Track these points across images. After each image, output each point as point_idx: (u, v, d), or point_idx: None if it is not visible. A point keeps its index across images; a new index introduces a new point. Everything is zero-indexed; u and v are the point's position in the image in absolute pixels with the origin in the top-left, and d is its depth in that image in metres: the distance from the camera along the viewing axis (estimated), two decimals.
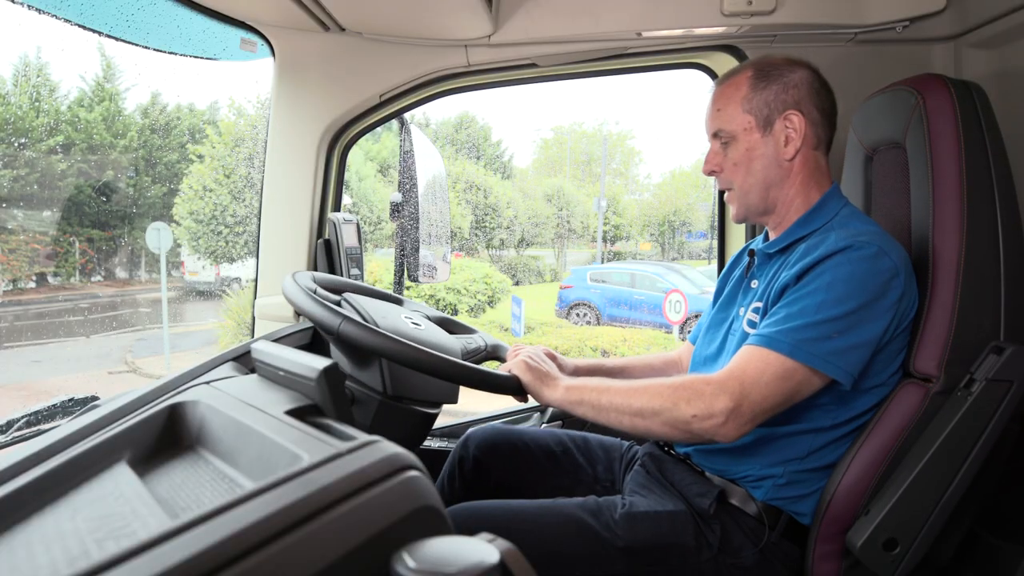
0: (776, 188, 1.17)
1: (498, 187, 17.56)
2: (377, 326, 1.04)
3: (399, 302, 1.39)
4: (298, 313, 1.61)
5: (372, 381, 1.08)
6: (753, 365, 1.00)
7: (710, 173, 1.22)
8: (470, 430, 1.40)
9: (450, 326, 1.37)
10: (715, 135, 1.19)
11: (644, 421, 1.02)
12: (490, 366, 1.17)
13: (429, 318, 1.33)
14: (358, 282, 1.35)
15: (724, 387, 0.99)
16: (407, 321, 1.18)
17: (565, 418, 1.75)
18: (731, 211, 1.25)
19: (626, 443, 1.39)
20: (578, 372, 1.36)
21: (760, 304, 1.14)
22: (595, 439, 1.41)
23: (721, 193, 1.87)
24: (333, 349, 1.18)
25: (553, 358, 1.31)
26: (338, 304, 1.16)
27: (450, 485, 1.36)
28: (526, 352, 1.20)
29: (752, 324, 1.14)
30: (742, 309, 1.22)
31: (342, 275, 1.62)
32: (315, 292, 1.09)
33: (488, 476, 1.34)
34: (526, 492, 1.27)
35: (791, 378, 0.99)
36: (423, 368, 0.97)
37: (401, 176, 1.69)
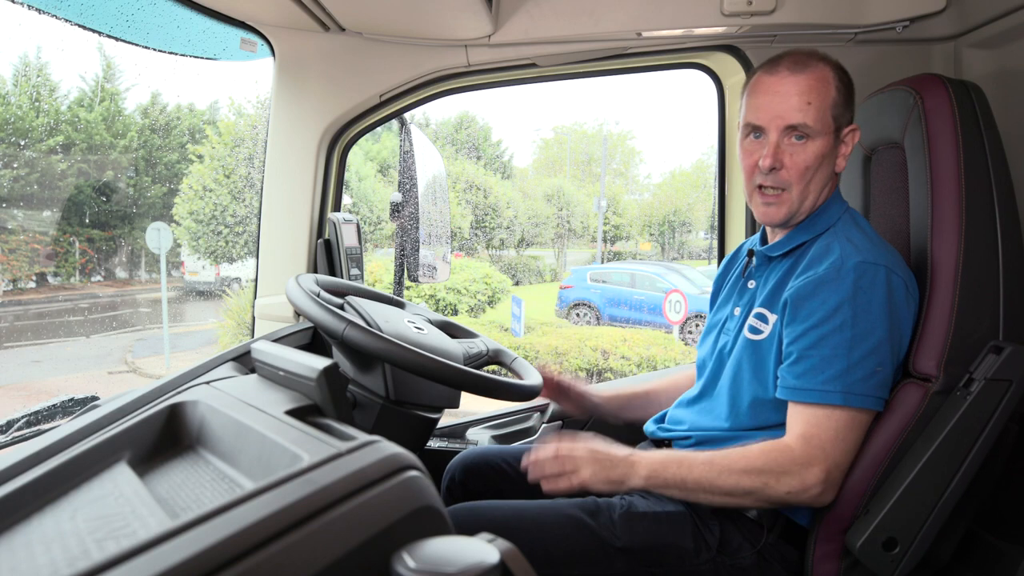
0: (821, 196, 1.14)
1: (498, 187, 17.52)
2: (380, 330, 1.04)
3: (401, 305, 1.39)
4: (298, 314, 1.62)
5: (375, 385, 1.08)
6: (824, 426, 1.02)
7: (771, 169, 1.09)
8: (453, 460, 1.36)
9: (452, 330, 1.37)
10: (791, 127, 1.08)
11: (736, 500, 1.04)
12: (490, 370, 1.17)
13: (431, 322, 1.33)
14: (360, 285, 1.35)
15: (810, 458, 1.00)
16: (410, 325, 1.18)
17: (565, 418, 1.75)
18: (766, 211, 1.13)
19: None
20: (608, 403, 1.42)
21: (764, 311, 1.14)
22: None
23: (721, 191, 1.89)
24: (336, 352, 1.18)
25: (580, 395, 1.35)
26: (341, 307, 1.16)
27: None
28: (582, 445, 1.08)
29: (754, 330, 1.14)
30: (737, 309, 1.21)
31: (342, 275, 1.62)
32: (318, 295, 1.09)
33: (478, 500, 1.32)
34: None
35: (857, 424, 1.03)
36: (427, 374, 0.96)
37: (401, 176, 1.69)
